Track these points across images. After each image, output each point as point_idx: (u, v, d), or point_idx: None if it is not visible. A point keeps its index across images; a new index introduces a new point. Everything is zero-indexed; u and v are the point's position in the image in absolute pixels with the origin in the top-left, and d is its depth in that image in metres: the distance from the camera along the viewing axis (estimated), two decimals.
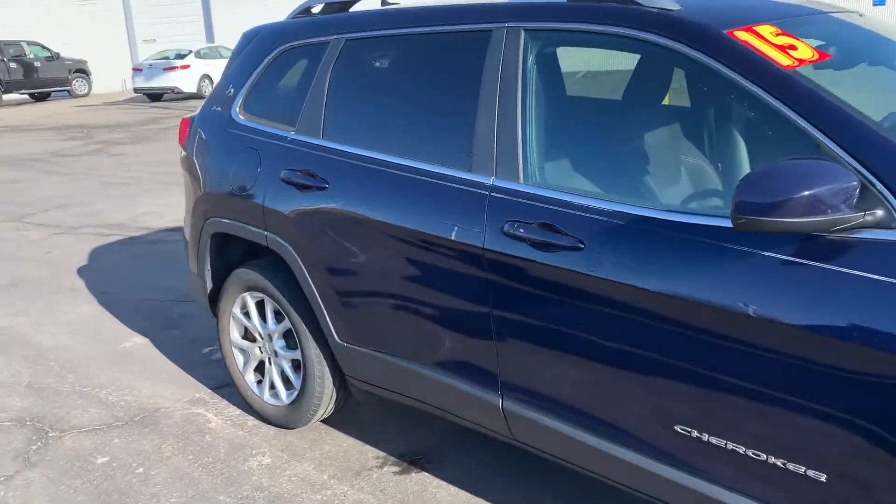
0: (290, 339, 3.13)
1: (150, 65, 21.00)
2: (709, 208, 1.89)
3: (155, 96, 21.33)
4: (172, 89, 20.59)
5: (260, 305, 3.21)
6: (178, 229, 6.68)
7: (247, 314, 3.27)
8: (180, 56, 20.99)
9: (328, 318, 2.84)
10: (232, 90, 3.25)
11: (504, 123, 2.28)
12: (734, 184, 1.99)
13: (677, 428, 1.95)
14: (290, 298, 2.99)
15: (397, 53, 2.70)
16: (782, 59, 1.89)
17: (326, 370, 3.00)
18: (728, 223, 1.79)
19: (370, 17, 2.79)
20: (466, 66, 2.44)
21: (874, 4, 15.99)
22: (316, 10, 3.15)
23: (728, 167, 2.09)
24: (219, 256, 3.35)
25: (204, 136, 3.33)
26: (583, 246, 2.04)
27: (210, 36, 25.24)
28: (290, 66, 3.07)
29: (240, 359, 3.35)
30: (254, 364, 3.31)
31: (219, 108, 3.30)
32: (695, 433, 1.93)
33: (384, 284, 2.60)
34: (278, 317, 3.14)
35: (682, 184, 2.19)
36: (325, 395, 3.05)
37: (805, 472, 1.74)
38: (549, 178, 2.26)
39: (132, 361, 3.99)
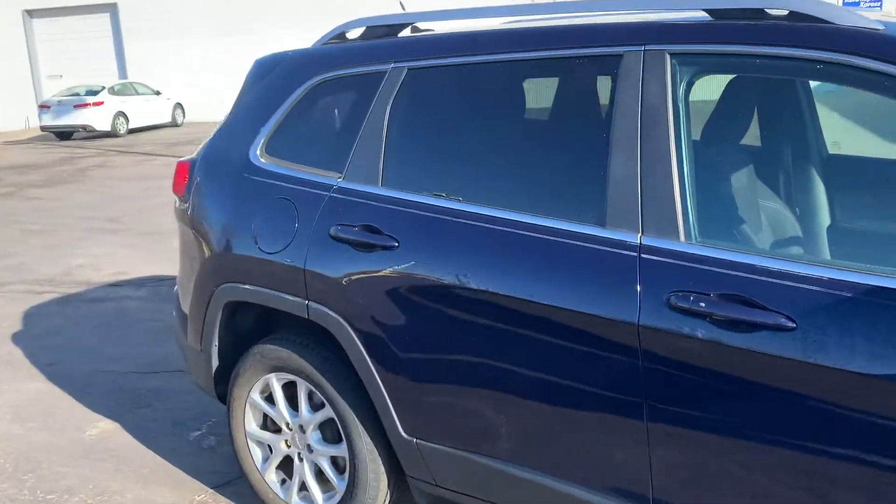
0: (327, 430, 2.56)
1: (59, 101, 19.67)
2: None
3: (64, 135, 19.96)
4: (84, 127, 19.33)
5: (287, 388, 2.62)
6: (123, 283, 5.91)
7: (269, 399, 2.67)
8: (92, 92, 19.76)
9: (391, 408, 2.29)
10: (248, 129, 2.69)
11: (652, 168, 1.83)
12: None
13: None
14: (335, 382, 2.42)
15: (485, 84, 2.21)
16: None
17: (381, 469, 2.44)
18: None
19: (445, 42, 2.29)
20: (587, 97, 2.00)
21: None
22: (352, 34, 2.64)
23: None
24: (227, 329, 2.75)
25: (211, 184, 2.74)
26: (793, 325, 1.59)
27: (123, 72, 23.95)
28: (328, 100, 2.53)
29: (258, 453, 2.74)
30: (277, 460, 2.70)
31: (229, 151, 2.72)
32: None
33: (478, 367, 2.08)
34: (312, 402, 2.56)
35: None
36: (379, 500, 2.48)
37: None
38: (723, 235, 1.82)
39: (104, 454, 3.28)
